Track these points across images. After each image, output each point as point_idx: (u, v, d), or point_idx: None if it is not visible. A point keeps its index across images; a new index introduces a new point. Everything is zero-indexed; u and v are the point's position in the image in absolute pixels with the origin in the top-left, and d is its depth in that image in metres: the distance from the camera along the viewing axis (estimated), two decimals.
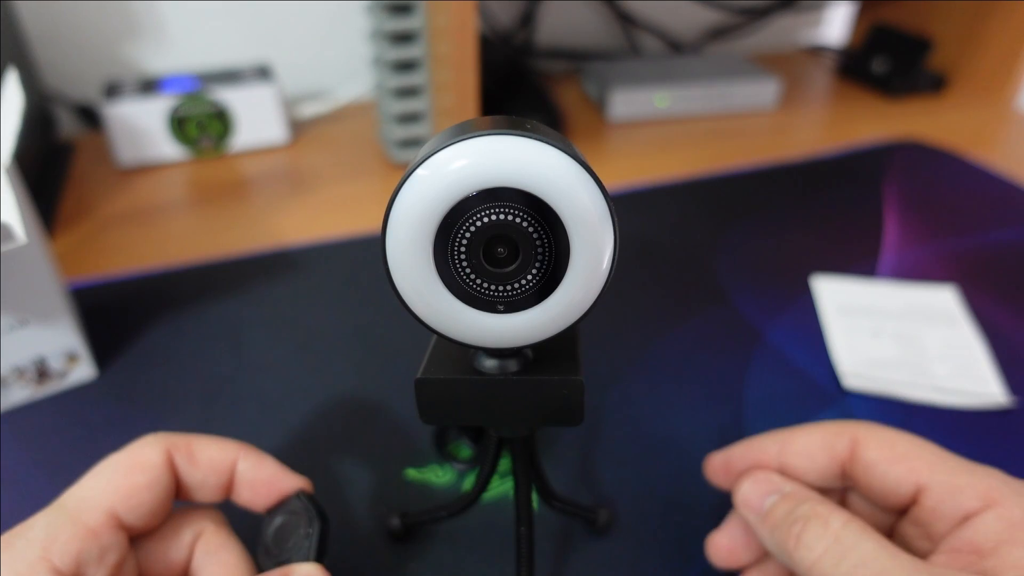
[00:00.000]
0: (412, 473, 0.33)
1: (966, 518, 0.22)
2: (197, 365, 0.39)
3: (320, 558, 0.23)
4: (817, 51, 0.89)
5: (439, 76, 0.54)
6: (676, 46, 0.84)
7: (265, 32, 0.69)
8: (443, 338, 0.21)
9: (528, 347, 0.22)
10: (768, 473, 0.26)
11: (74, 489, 0.23)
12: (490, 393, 0.22)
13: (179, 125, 0.59)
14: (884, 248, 0.50)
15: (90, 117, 0.66)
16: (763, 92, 0.71)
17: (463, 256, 0.19)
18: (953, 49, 0.76)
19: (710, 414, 0.36)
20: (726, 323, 0.42)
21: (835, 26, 0.92)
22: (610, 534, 0.30)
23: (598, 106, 0.72)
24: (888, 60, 0.76)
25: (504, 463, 0.32)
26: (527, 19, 0.77)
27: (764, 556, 0.26)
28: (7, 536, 0.21)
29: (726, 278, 0.46)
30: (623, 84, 0.69)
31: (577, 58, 0.81)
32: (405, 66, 0.55)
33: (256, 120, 0.61)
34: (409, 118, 0.57)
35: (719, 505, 0.31)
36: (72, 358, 0.37)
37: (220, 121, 0.60)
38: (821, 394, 0.37)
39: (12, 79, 0.43)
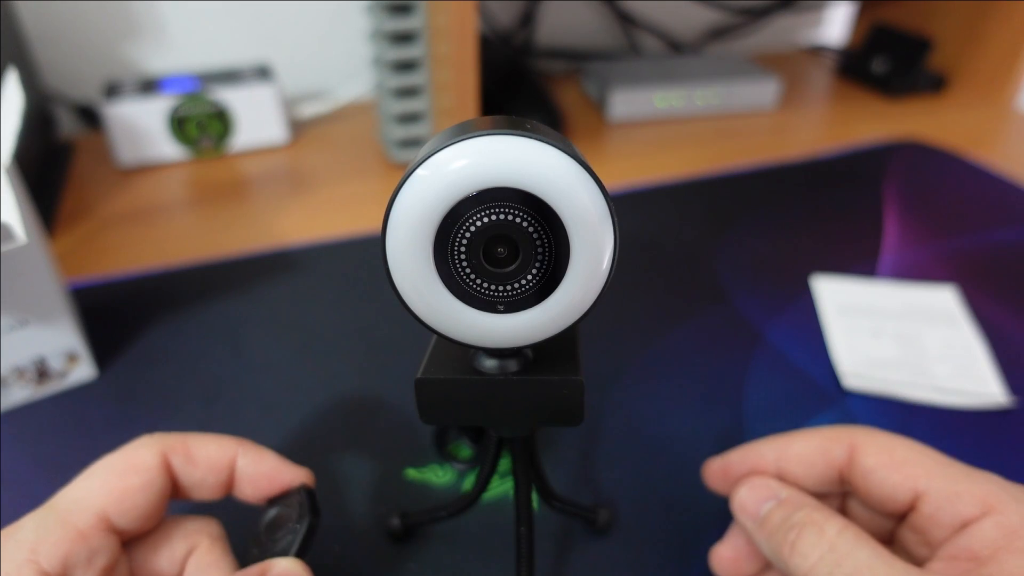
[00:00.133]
0: (412, 473, 0.33)
1: (964, 525, 0.22)
2: (197, 365, 0.39)
3: (302, 554, 0.23)
4: (817, 51, 0.89)
5: (439, 76, 0.54)
6: (676, 46, 0.84)
7: (265, 32, 0.69)
8: (443, 338, 0.21)
9: (528, 347, 0.22)
10: (765, 479, 0.26)
11: (66, 490, 0.22)
12: (490, 393, 0.22)
13: (179, 125, 0.59)
14: (884, 248, 0.50)
15: (90, 117, 0.66)
16: (763, 92, 0.71)
17: (463, 256, 0.19)
18: (953, 49, 0.76)
19: (710, 414, 0.36)
20: (726, 323, 0.42)
21: (835, 26, 0.92)
22: (610, 534, 0.30)
23: (598, 106, 0.72)
24: (888, 60, 0.76)
25: (504, 463, 0.32)
26: (527, 19, 0.77)
27: (767, 566, 0.26)
28: None
29: (726, 278, 0.46)
30: (623, 84, 0.69)
31: (577, 58, 0.81)
32: (405, 66, 0.55)
33: (256, 120, 0.61)
34: (409, 118, 0.57)
35: (719, 505, 0.31)
36: (72, 358, 0.37)
37: (220, 121, 0.60)
38: (821, 394, 0.37)
39: (12, 79, 0.43)
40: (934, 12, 0.77)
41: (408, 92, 0.56)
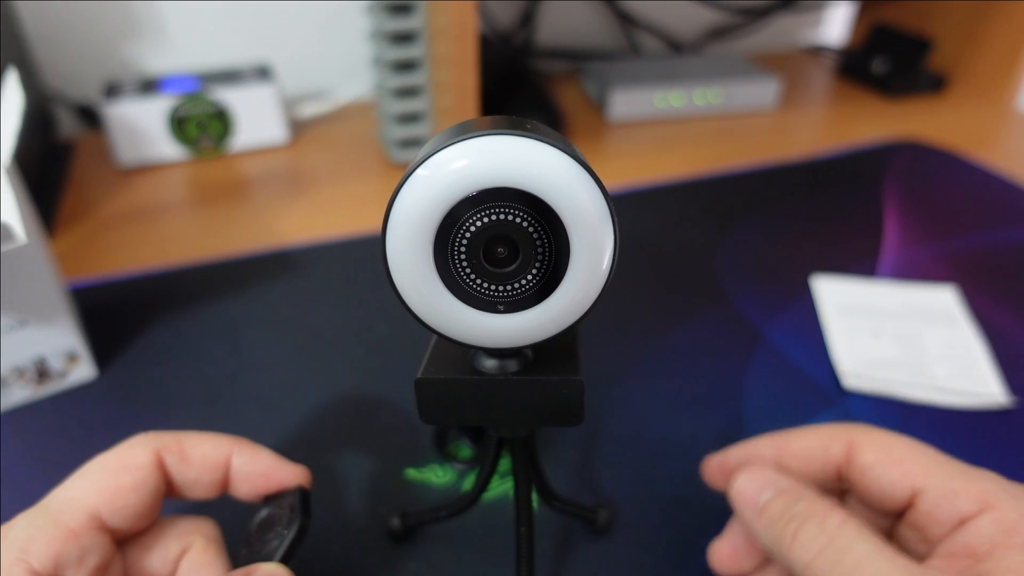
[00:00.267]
0: (412, 473, 0.33)
1: (962, 522, 0.22)
2: (197, 365, 0.39)
3: (288, 559, 0.23)
4: (817, 51, 0.89)
5: (439, 76, 0.54)
6: (676, 46, 0.84)
7: (265, 32, 0.69)
8: (443, 338, 0.21)
9: (528, 347, 0.22)
10: (763, 468, 0.26)
11: (59, 489, 0.22)
12: (490, 393, 0.22)
13: (179, 125, 0.59)
14: (884, 248, 0.50)
15: (90, 117, 0.66)
16: (763, 92, 0.71)
17: (463, 256, 0.19)
18: (953, 49, 0.76)
19: (710, 414, 0.36)
20: (726, 323, 0.42)
21: (835, 26, 0.92)
22: (610, 534, 0.30)
23: (598, 106, 0.72)
24: (888, 60, 0.76)
25: (504, 463, 0.32)
26: (527, 19, 0.77)
27: (766, 562, 0.26)
28: None
29: (726, 278, 0.46)
30: (623, 84, 0.69)
31: (577, 58, 0.81)
32: (405, 66, 0.55)
33: (256, 120, 0.61)
34: (409, 118, 0.57)
35: (719, 505, 0.31)
36: (72, 358, 0.37)
37: (220, 121, 0.60)
38: (821, 394, 0.37)
39: (12, 79, 0.43)
40: (934, 12, 0.77)
41: (408, 92, 0.56)
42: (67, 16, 0.63)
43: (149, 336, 0.41)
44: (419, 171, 0.19)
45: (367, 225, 0.52)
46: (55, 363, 0.36)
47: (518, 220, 0.19)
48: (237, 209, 0.54)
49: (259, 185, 0.58)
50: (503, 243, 0.19)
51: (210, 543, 0.24)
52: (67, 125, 0.67)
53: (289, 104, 0.67)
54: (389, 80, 0.55)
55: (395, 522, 0.29)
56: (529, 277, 0.19)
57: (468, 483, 0.32)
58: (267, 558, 0.23)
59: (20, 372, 0.35)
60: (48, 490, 0.23)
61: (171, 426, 0.26)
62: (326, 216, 0.53)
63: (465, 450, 0.34)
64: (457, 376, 0.22)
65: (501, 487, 0.32)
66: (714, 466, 0.28)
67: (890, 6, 0.82)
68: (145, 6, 0.64)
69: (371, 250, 0.48)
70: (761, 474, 0.25)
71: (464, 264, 0.19)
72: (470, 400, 0.22)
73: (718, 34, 0.86)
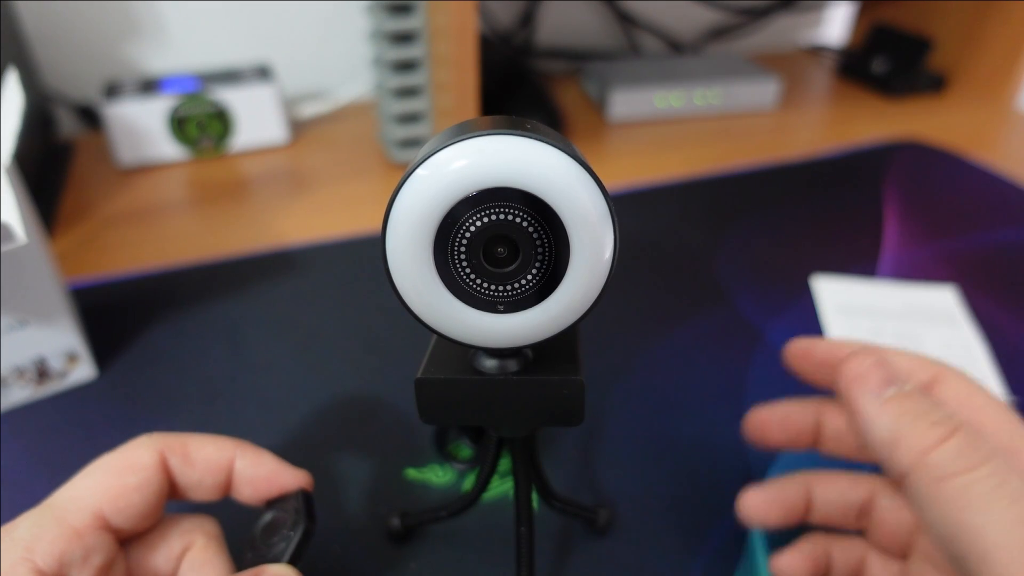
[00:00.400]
0: (412, 473, 0.33)
1: None
2: (197, 365, 0.39)
3: (296, 560, 0.23)
4: (817, 51, 0.89)
5: (439, 76, 0.54)
6: (676, 46, 0.84)
7: (265, 32, 0.69)
8: (443, 338, 0.21)
9: (528, 347, 0.22)
10: (886, 361, 0.23)
11: (63, 489, 0.22)
12: (490, 393, 0.22)
13: (179, 125, 0.59)
14: (884, 248, 0.50)
15: (90, 117, 0.66)
16: (763, 92, 0.71)
17: (463, 256, 0.19)
18: (953, 49, 0.76)
19: (710, 414, 0.36)
20: (726, 323, 0.42)
21: (835, 26, 0.92)
22: (610, 534, 0.30)
23: (598, 106, 0.72)
24: (888, 60, 0.76)
25: (504, 463, 0.32)
26: (527, 19, 0.77)
27: (792, 516, 0.26)
28: None
29: (726, 278, 0.46)
30: (623, 84, 0.69)
31: (577, 58, 0.81)
32: (405, 66, 0.55)
33: (256, 120, 0.61)
34: (409, 118, 0.57)
35: (719, 505, 0.31)
36: (72, 358, 0.37)
37: (220, 121, 0.60)
38: (821, 394, 0.37)
39: (12, 79, 0.43)
40: (934, 12, 0.77)
41: (408, 92, 0.56)
42: (67, 16, 0.63)
43: (149, 336, 0.41)
44: (419, 171, 0.19)
45: (367, 225, 0.52)
46: (55, 363, 0.36)
47: (518, 220, 0.19)
48: (237, 209, 0.54)
49: (259, 185, 0.58)
50: (503, 243, 0.19)
51: (211, 541, 0.24)
52: (67, 125, 0.67)
53: (289, 104, 0.67)
54: (389, 80, 0.55)
55: (395, 522, 0.29)
56: (529, 277, 0.20)
57: (468, 483, 0.32)
58: (274, 560, 0.23)
59: (20, 372, 0.35)
60: (48, 490, 0.23)
61: (171, 426, 0.26)
62: (326, 216, 0.53)
63: (465, 450, 0.34)
64: (457, 376, 0.22)
65: (501, 487, 0.32)
66: (799, 350, 0.27)
67: (890, 6, 0.82)
68: (145, 6, 0.64)
69: (371, 250, 0.48)
70: (885, 365, 0.23)
71: (464, 264, 0.19)
72: (470, 400, 0.22)
73: (718, 34, 0.86)
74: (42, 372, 0.36)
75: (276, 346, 0.40)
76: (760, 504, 0.27)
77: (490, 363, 0.22)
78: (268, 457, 0.25)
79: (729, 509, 0.31)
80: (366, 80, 0.73)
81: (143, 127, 0.58)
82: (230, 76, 0.62)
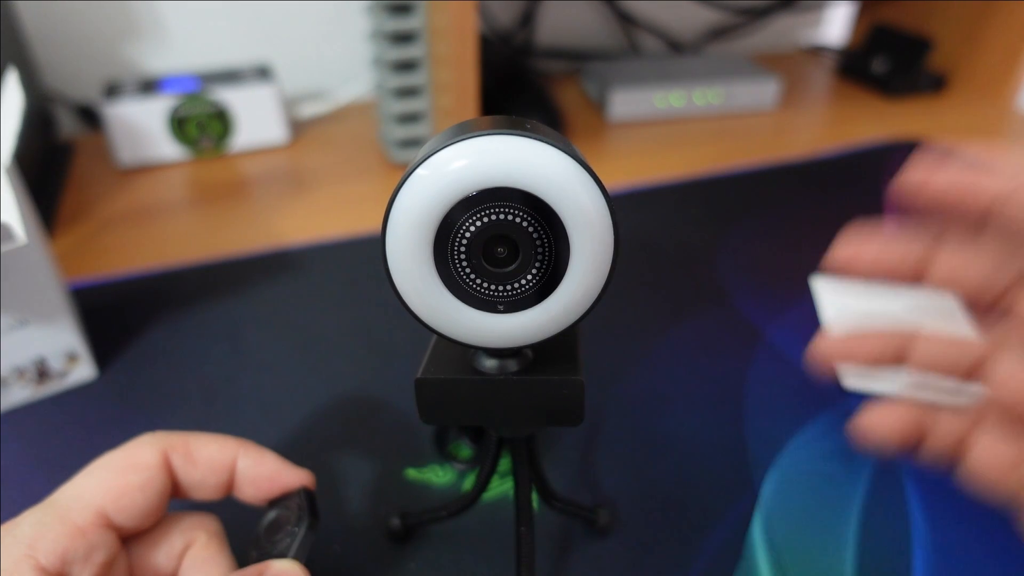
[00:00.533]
0: (412, 473, 0.33)
1: None
2: (197, 365, 0.39)
3: (301, 556, 0.23)
4: (817, 51, 0.89)
5: (439, 76, 0.54)
6: (676, 46, 0.84)
7: (265, 32, 0.69)
8: (443, 338, 0.21)
9: (528, 347, 0.22)
10: None
11: (66, 487, 0.23)
12: (490, 393, 0.22)
13: (179, 125, 0.59)
14: None
15: (90, 117, 0.66)
16: (763, 92, 0.71)
17: (463, 256, 0.19)
18: (953, 49, 0.76)
19: (710, 414, 0.36)
20: (726, 323, 0.42)
21: (835, 26, 0.92)
22: (610, 534, 0.30)
23: (598, 106, 0.72)
24: (888, 60, 0.76)
25: (504, 463, 0.32)
26: (527, 19, 0.77)
27: (885, 357, 0.24)
28: None
29: (726, 278, 0.46)
30: (623, 84, 0.69)
31: (577, 58, 0.81)
32: (405, 66, 0.55)
33: (256, 120, 0.61)
34: (409, 118, 0.57)
35: (719, 505, 0.31)
36: (72, 358, 0.37)
37: (220, 121, 0.60)
38: (821, 394, 0.37)
39: (12, 79, 0.43)
40: (934, 12, 0.77)
41: (408, 92, 0.56)
42: (67, 16, 0.63)
43: (149, 336, 0.41)
44: (419, 171, 0.19)
45: (367, 225, 0.52)
46: (55, 363, 0.36)
47: (518, 220, 0.19)
48: (237, 209, 0.54)
49: (259, 185, 0.58)
50: (503, 243, 0.19)
51: (213, 538, 0.24)
52: (67, 125, 0.67)
53: (289, 104, 0.67)
54: (389, 80, 0.55)
55: (395, 522, 0.29)
56: (529, 277, 0.19)
57: (468, 483, 0.32)
58: (279, 557, 0.23)
59: (20, 372, 0.35)
60: (48, 490, 0.23)
61: (171, 426, 0.26)
62: (326, 216, 0.53)
63: (465, 450, 0.34)
64: (457, 376, 0.22)
65: (501, 487, 0.32)
66: (919, 181, 0.24)
67: (890, 6, 0.82)
68: (145, 6, 0.64)
69: (371, 250, 0.48)
70: None
71: (464, 264, 0.19)
72: (470, 400, 0.22)
73: (718, 34, 0.86)
74: (42, 372, 0.36)
75: (276, 346, 0.40)
76: (836, 346, 0.24)
77: (490, 363, 0.22)
78: (270, 456, 0.25)
79: (729, 509, 0.31)
80: (366, 80, 0.73)
81: (143, 127, 0.58)
82: (230, 76, 0.62)
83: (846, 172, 0.59)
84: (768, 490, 0.32)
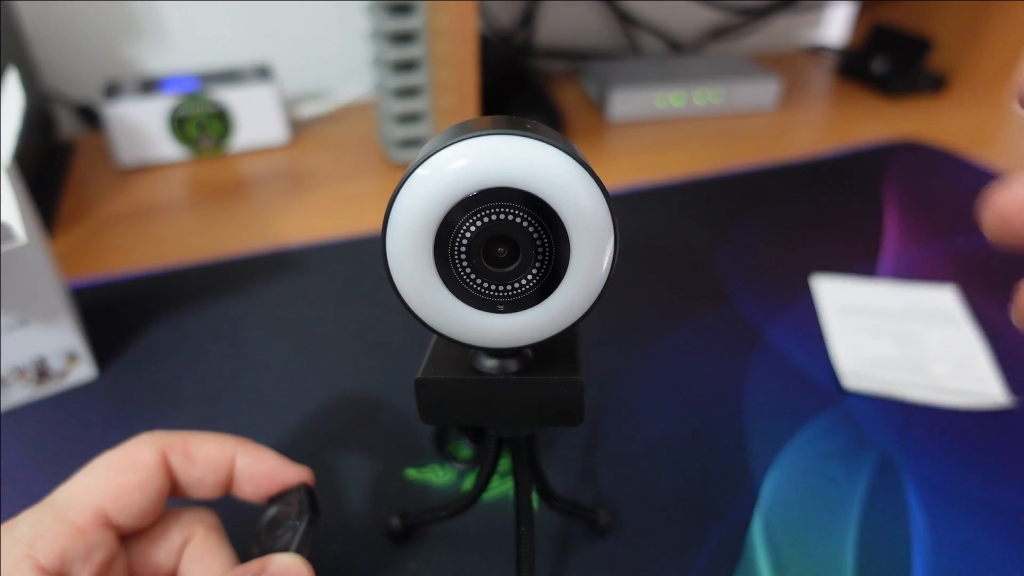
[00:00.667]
0: (412, 473, 0.33)
1: None
2: (197, 365, 0.39)
3: (302, 550, 0.23)
4: (817, 51, 0.89)
5: (439, 76, 0.54)
6: (676, 46, 0.84)
7: (265, 32, 0.69)
8: (443, 338, 0.21)
9: (528, 347, 0.22)
10: None
11: (64, 487, 0.23)
12: (490, 393, 0.22)
13: (179, 125, 0.59)
14: (884, 248, 0.50)
15: (90, 117, 0.66)
16: (763, 92, 0.71)
17: (463, 256, 0.19)
18: (953, 49, 0.76)
19: (710, 414, 0.36)
20: (726, 323, 0.42)
21: (835, 26, 0.92)
22: (610, 534, 0.30)
23: (598, 106, 0.72)
24: (888, 60, 0.76)
25: (504, 463, 0.32)
26: (527, 19, 0.77)
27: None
28: None
29: (726, 278, 0.46)
30: (623, 84, 0.69)
31: (577, 58, 0.81)
32: (405, 66, 0.55)
33: (256, 120, 0.61)
34: (409, 118, 0.57)
35: (719, 505, 0.31)
36: (72, 358, 0.37)
37: (220, 121, 0.60)
38: (821, 394, 0.37)
39: (12, 79, 0.43)
40: (934, 12, 0.77)
41: (408, 92, 0.56)
42: (67, 16, 0.63)
43: (149, 336, 0.41)
44: (419, 171, 0.19)
45: (367, 225, 0.52)
46: (55, 363, 0.36)
47: (518, 220, 0.19)
48: (237, 209, 0.54)
49: (259, 185, 0.58)
50: (503, 243, 0.19)
51: (212, 531, 0.24)
52: (67, 125, 0.67)
53: (289, 104, 0.67)
54: (389, 80, 0.55)
55: (395, 522, 0.29)
56: (529, 277, 0.19)
57: (468, 483, 0.32)
58: (281, 551, 0.23)
59: (20, 372, 0.35)
60: (48, 490, 0.23)
61: (171, 426, 0.26)
62: (326, 216, 0.53)
63: (465, 450, 0.34)
64: (457, 376, 0.22)
65: (501, 487, 0.32)
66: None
67: (890, 6, 0.82)
68: (145, 6, 0.64)
69: (371, 250, 0.48)
70: None
71: (464, 264, 0.19)
72: (470, 400, 0.22)
73: (718, 34, 0.86)
74: (42, 372, 0.36)
75: (276, 346, 0.40)
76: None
77: (490, 363, 0.22)
78: (269, 454, 0.25)
79: (729, 509, 0.31)
80: (366, 80, 0.73)
81: (143, 127, 0.58)
82: (230, 76, 0.62)
83: (846, 172, 0.60)
84: (768, 490, 0.32)
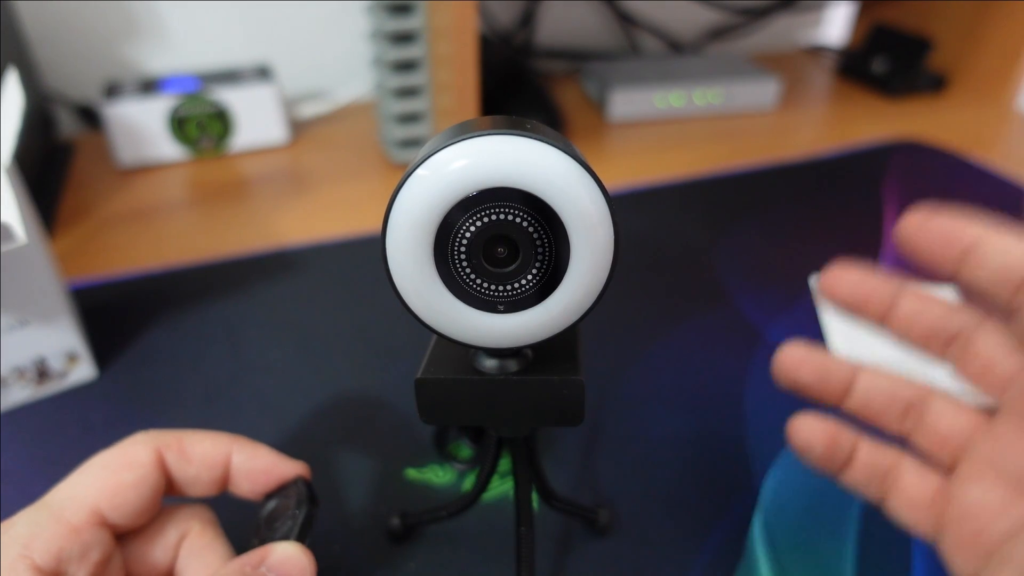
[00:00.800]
0: (412, 473, 0.33)
1: None
2: (197, 365, 0.39)
3: (302, 538, 0.23)
4: (817, 51, 0.89)
5: (439, 76, 0.54)
6: (676, 46, 0.84)
7: (265, 32, 0.69)
8: (443, 338, 0.21)
9: (528, 347, 0.22)
10: None
11: (60, 487, 0.23)
12: (490, 393, 0.22)
13: (179, 125, 0.59)
14: (884, 248, 0.50)
15: (90, 117, 0.66)
16: (763, 92, 0.71)
17: (463, 256, 0.19)
18: (953, 49, 0.76)
19: (710, 414, 0.36)
20: (726, 323, 0.42)
21: (835, 26, 0.92)
22: (610, 534, 0.30)
23: (598, 106, 0.72)
24: (888, 60, 0.76)
25: (504, 463, 0.32)
26: (527, 19, 0.77)
27: (829, 390, 0.25)
28: None
29: (726, 278, 0.46)
30: (623, 84, 0.69)
31: (577, 58, 0.81)
32: (405, 66, 0.55)
33: (256, 120, 0.61)
34: (409, 118, 0.57)
35: (719, 505, 0.31)
36: (72, 358, 0.37)
37: (220, 121, 0.60)
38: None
39: (12, 79, 0.43)
40: (934, 12, 0.77)
41: (408, 92, 0.56)
42: (67, 16, 0.63)
43: (149, 336, 0.41)
44: (419, 171, 0.19)
45: (367, 225, 0.52)
46: (55, 363, 0.36)
47: (518, 220, 0.19)
48: (237, 209, 0.54)
49: (259, 185, 0.58)
50: (503, 243, 0.19)
51: (207, 526, 0.24)
52: (67, 125, 0.67)
53: (289, 104, 0.67)
54: (389, 80, 0.55)
55: (395, 522, 0.29)
56: (529, 277, 0.19)
57: (468, 483, 0.32)
58: (282, 540, 0.23)
59: (20, 372, 0.35)
60: (48, 489, 0.23)
61: (171, 426, 0.26)
62: (326, 216, 0.53)
63: (465, 450, 0.34)
64: (457, 376, 0.22)
65: (501, 487, 0.32)
66: (915, 226, 0.25)
67: (890, 6, 0.82)
68: (145, 6, 0.64)
69: (371, 250, 0.48)
70: None
71: (464, 264, 0.19)
72: (470, 400, 0.22)
73: (718, 34, 0.86)
74: (42, 372, 0.36)
75: (276, 346, 0.40)
76: (795, 358, 0.25)
77: (490, 363, 0.22)
78: (264, 450, 0.25)
79: (729, 509, 0.31)
80: (366, 80, 0.73)
81: (143, 127, 0.58)
82: (230, 76, 0.62)
83: (846, 172, 0.59)
84: (768, 490, 0.32)
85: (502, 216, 0.19)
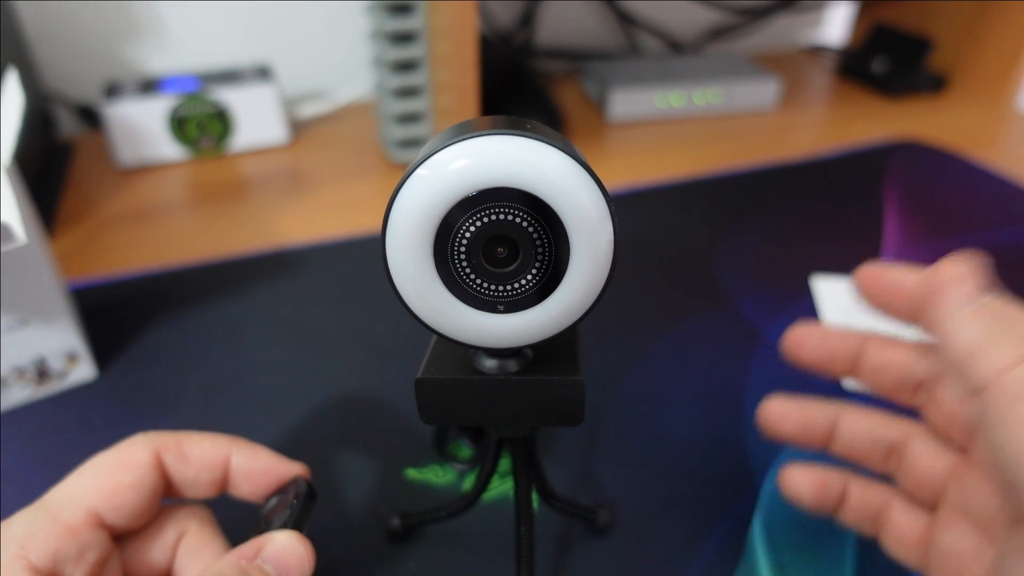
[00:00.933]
0: (412, 473, 0.33)
1: None
2: (197, 365, 0.39)
3: (299, 527, 0.23)
4: (817, 51, 0.89)
5: (439, 76, 0.54)
6: (676, 46, 0.84)
7: (265, 32, 0.69)
8: (443, 338, 0.21)
9: (528, 347, 0.22)
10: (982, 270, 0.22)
11: (57, 487, 0.23)
12: (490, 393, 0.22)
13: (179, 125, 0.59)
14: (884, 248, 0.50)
15: (90, 117, 0.66)
16: (763, 92, 0.71)
17: (463, 256, 0.19)
18: (953, 49, 0.76)
19: (710, 414, 0.36)
20: (726, 323, 0.42)
21: (835, 26, 0.92)
22: (610, 534, 0.30)
23: (598, 106, 0.72)
24: (888, 60, 0.76)
25: (504, 463, 0.32)
26: (527, 19, 0.77)
27: (813, 438, 0.26)
28: None
29: (726, 278, 0.46)
30: (623, 84, 0.69)
31: (577, 58, 0.81)
32: (405, 66, 0.55)
33: (256, 120, 0.61)
34: (409, 118, 0.57)
35: (719, 505, 0.31)
36: (72, 358, 0.37)
37: (220, 121, 0.60)
38: (821, 394, 0.37)
39: (12, 79, 0.43)
40: (934, 12, 0.77)
41: (408, 92, 0.56)
42: (67, 16, 0.63)
43: (149, 336, 0.41)
44: (419, 171, 0.19)
45: (367, 225, 0.52)
46: (55, 363, 0.36)
47: (518, 220, 0.19)
48: (237, 209, 0.54)
49: (259, 185, 0.58)
50: (503, 243, 0.19)
51: (205, 525, 0.24)
52: (67, 125, 0.67)
53: (289, 104, 0.67)
54: (389, 80, 0.55)
55: (395, 522, 0.29)
56: (529, 277, 0.20)
57: (468, 483, 0.32)
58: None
59: (20, 372, 0.35)
60: (48, 489, 0.23)
61: (171, 426, 0.26)
62: (326, 216, 0.53)
63: (465, 450, 0.34)
64: (457, 376, 0.22)
65: (501, 487, 0.32)
66: (870, 277, 0.26)
67: (890, 6, 0.82)
68: (145, 6, 0.64)
69: (371, 250, 0.48)
70: (976, 279, 0.22)
71: (464, 264, 0.19)
72: (470, 400, 0.22)
73: (718, 34, 0.86)
74: (42, 372, 0.36)
75: (276, 346, 0.40)
76: (779, 411, 0.26)
77: (490, 363, 0.22)
78: (264, 451, 0.25)
79: (729, 509, 0.31)
80: (366, 80, 0.73)
81: (143, 127, 0.58)
82: (230, 76, 0.62)
83: (846, 172, 0.60)
84: (768, 490, 0.32)
85: (502, 216, 0.19)
